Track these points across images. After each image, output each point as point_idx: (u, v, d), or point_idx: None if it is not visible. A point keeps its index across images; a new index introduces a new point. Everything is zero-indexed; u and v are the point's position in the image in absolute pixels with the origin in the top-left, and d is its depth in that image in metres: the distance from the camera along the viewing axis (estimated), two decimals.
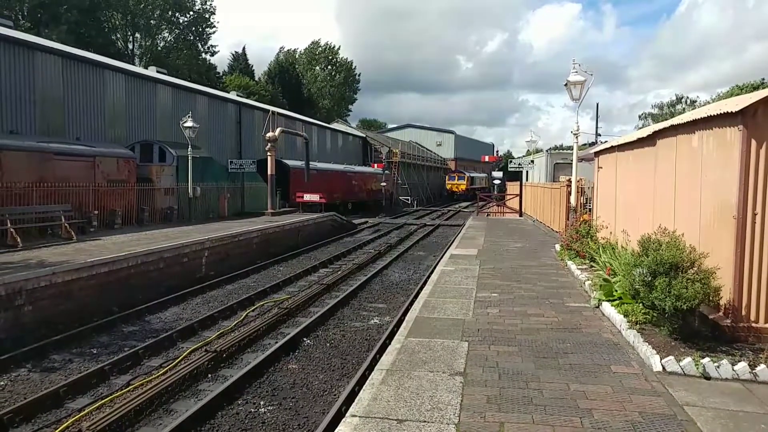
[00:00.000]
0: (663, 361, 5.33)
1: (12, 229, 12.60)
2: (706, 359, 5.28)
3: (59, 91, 18.35)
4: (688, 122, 6.94)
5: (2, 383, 7.20)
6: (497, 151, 71.55)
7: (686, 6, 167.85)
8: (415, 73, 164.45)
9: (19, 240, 12.45)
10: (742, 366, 5.17)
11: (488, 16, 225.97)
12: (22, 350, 8.08)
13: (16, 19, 36.06)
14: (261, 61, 73.87)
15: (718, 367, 5.18)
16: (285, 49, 69.97)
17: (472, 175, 68.02)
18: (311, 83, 68.96)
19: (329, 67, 73.77)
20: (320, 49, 74.02)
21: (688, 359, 5.30)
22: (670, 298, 5.64)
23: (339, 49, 74.88)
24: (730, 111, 5.72)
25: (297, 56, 70.53)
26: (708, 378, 5.14)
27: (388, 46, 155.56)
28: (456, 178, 65.23)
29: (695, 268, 5.88)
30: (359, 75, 76.92)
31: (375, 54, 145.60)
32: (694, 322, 6.07)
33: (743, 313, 5.85)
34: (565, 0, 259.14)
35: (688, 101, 67.08)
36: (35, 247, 12.39)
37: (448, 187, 64.87)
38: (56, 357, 8.21)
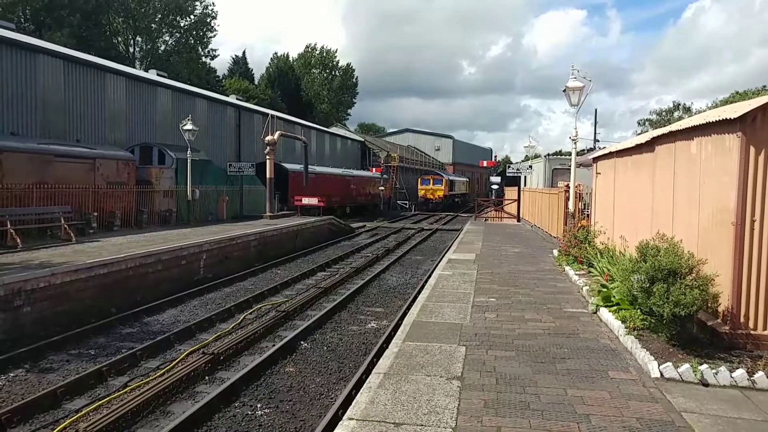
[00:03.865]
0: (661, 367, 5.34)
1: (12, 230, 12.59)
2: (705, 366, 5.29)
3: (60, 93, 18.37)
4: (686, 128, 6.97)
5: (0, 384, 7.20)
6: (495, 156, 71.35)
7: (692, 11, 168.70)
8: (417, 78, 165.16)
9: (18, 241, 12.44)
10: (740, 373, 5.17)
11: (492, 21, 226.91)
12: (20, 351, 8.06)
13: (18, 22, 36.15)
14: (265, 65, 73.68)
15: (717, 373, 5.19)
16: (278, 55, 69.74)
17: (451, 178, 54.90)
18: (309, 87, 68.90)
19: (327, 71, 73.80)
20: (316, 53, 74.02)
21: (687, 366, 5.31)
22: (669, 305, 5.65)
23: (336, 52, 75.08)
24: (728, 118, 5.76)
25: (292, 61, 70.19)
26: (706, 385, 5.14)
27: (391, 50, 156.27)
28: (431, 181, 50.35)
29: (693, 275, 5.90)
30: (356, 78, 77.08)
31: (378, 58, 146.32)
32: (693, 328, 6.09)
33: (741, 320, 5.86)
34: (569, 6, 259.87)
35: (683, 107, 67.16)
36: (35, 248, 12.38)
37: (421, 193, 50.11)
38: (54, 358, 8.20)
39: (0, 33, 16.75)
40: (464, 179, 62.97)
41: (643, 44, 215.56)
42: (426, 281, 12.34)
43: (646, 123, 66.98)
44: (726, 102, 47.04)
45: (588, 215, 14.71)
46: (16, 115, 16.80)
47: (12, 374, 7.50)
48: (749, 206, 5.73)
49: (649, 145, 8.48)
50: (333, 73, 74.38)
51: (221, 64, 71.45)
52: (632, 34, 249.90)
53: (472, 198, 59.59)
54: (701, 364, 5.33)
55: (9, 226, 12.67)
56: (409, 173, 55.65)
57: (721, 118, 5.91)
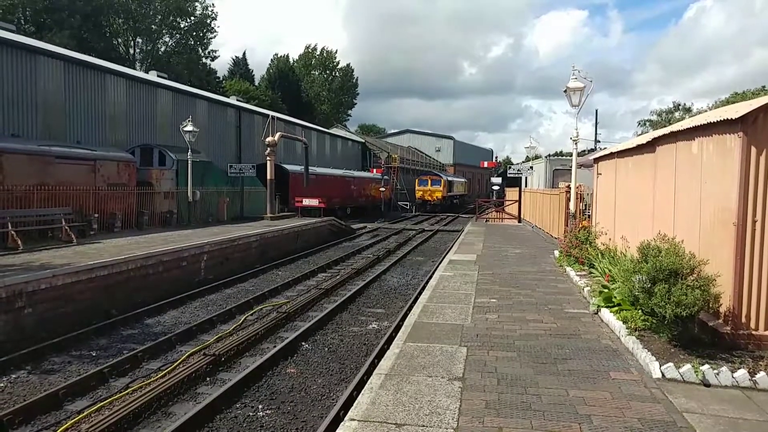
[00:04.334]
0: (662, 367, 5.34)
1: (13, 232, 12.60)
2: (706, 366, 5.28)
3: (61, 94, 18.39)
4: (688, 129, 6.97)
5: (2, 385, 7.19)
6: (496, 157, 71.09)
7: (694, 11, 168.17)
8: (418, 78, 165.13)
9: (20, 242, 12.45)
10: (741, 373, 5.17)
11: (493, 22, 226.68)
12: (21, 352, 8.07)
13: (19, 23, 36.18)
14: (266, 66, 73.59)
15: (718, 374, 5.18)
16: (279, 56, 69.66)
17: (449, 179, 52.33)
18: (308, 88, 68.91)
19: (326, 72, 73.84)
20: (317, 53, 74.07)
21: (688, 366, 5.30)
22: (670, 305, 5.65)
23: (336, 53, 75.11)
24: (730, 118, 5.75)
25: (292, 62, 70.13)
26: (708, 385, 5.14)
27: (392, 51, 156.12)
28: (429, 182, 47.97)
29: (695, 275, 5.89)
30: (356, 79, 77.09)
31: (379, 59, 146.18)
32: (694, 328, 6.08)
33: (743, 320, 5.86)
34: (570, 6, 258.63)
35: (683, 108, 67.20)
36: (36, 250, 12.39)
37: (419, 194, 47.92)
38: (56, 359, 8.20)
39: (0, 34, 16.78)
40: (462, 180, 61.71)
41: (644, 44, 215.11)
42: (427, 282, 12.33)
43: (647, 123, 67.01)
44: (727, 102, 47.07)
45: (589, 216, 14.72)
46: (17, 116, 16.81)
47: (14, 375, 7.51)
48: (750, 206, 5.73)
49: (650, 146, 8.48)
50: (333, 74, 74.41)
51: (222, 65, 71.65)
52: (634, 34, 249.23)
53: (471, 199, 59.25)
54: (703, 365, 5.32)
55: (10, 227, 12.68)
56: (409, 174, 55.63)
57: (722, 119, 5.91)
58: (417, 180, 49.60)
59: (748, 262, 5.77)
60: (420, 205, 47.76)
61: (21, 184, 14.07)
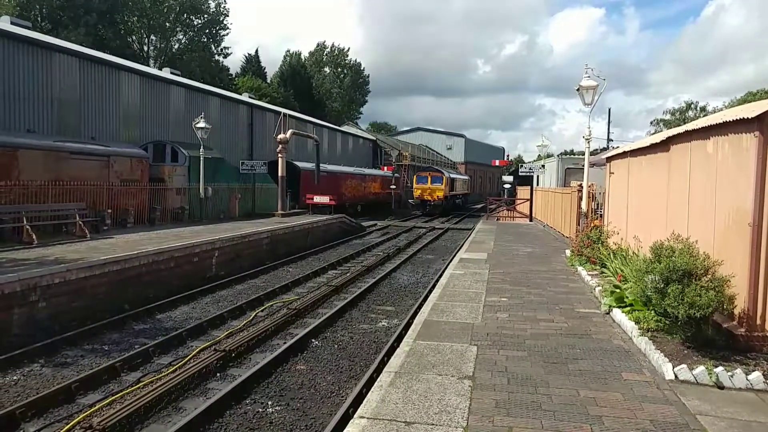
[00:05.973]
0: (675, 369, 5.28)
1: (28, 227, 12.77)
2: (720, 368, 5.22)
3: (76, 91, 18.60)
4: (702, 128, 6.88)
5: (15, 378, 7.29)
6: (508, 156, 70.58)
7: (713, 9, 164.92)
8: (430, 77, 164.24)
9: (34, 237, 12.61)
10: (756, 375, 5.10)
11: (508, 20, 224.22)
12: (35, 345, 8.18)
13: (35, 20, 36.64)
14: (278, 64, 73.71)
15: (732, 376, 5.11)
16: (291, 52, 69.84)
17: (452, 176, 45.53)
18: (319, 85, 69.00)
19: (338, 69, 73.91)
20: (327, 50, 74.15)
21: (701, 368, 5.24)
22: (684, 306, 5.58)
23: (348, 50, 75.14)
24: (746, 117, 5.67)
25: (303, 59, 70.26)
26: (721, 387, 5.07)
27: (405, 49, 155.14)
28: (429, 179, 40.55)
29: (709, 276, 5.82)
30: (368, 76, 77.02)
31: (391, 57, 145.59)
32: (708, 330, 6.00)
33: (758, 321, 5.77)
34: (587, 4, 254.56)
35: (697, 107, 66.44)
36: (50, 245, 12.54)
37: (417, 193, 40.61)
38: (68, 353, 8.30)
39: (17, 31, 16.99)
40: (465, 177, 55.65)
41: (660, 43, 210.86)
42: (437, 280, 12.30)
43: (660, 123, 66.32)
44: (741, 102, 46.45)
45: (601, 215, 14.59)
46: (33, 112, 17.03)
47: (27, 368, 7.61)
48: (766, 207, 5.64)
49: (664, 145, 8.38)
50: (344, 71, 74.48)
51: (234, 62, 71.73)
52: (650, 33, 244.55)
53: (474, 198, 58.51)
54: (716, 367, 5.25)
55: (25, 222, 12.85)
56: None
57: (738, 118, 5.83)
58: (416, 177, 42.02)
59: (763, 263, 5.67)
60: (418, 206, 40.71)
61: (36, 180, 14.25)
